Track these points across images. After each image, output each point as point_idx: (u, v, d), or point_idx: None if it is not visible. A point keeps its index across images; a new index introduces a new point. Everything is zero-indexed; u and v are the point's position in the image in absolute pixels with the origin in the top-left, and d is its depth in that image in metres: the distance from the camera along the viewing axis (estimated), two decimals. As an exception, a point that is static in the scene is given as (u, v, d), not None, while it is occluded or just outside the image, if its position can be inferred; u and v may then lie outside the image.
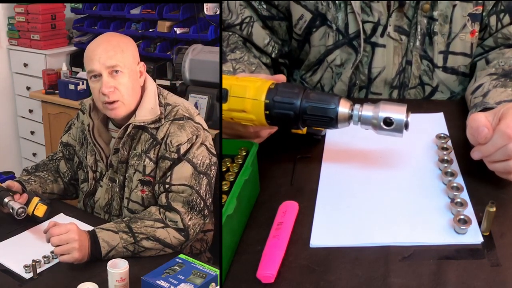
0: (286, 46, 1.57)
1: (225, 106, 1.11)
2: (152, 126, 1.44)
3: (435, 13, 1.39)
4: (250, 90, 1.08)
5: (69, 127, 1.66)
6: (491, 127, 1.03)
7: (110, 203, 1.52)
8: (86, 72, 1.44)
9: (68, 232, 1.27)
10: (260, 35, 1.52)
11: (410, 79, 1.46)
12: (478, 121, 1.04)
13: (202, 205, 1.41)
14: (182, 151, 1.41)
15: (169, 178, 1.41)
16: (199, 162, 1.42)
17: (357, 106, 1.06)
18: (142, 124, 1.43)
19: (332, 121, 1.05)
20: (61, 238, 1.26)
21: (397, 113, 1.03)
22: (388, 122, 1.04)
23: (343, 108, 1.05)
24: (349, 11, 1.40)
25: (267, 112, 1.07)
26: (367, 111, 1.05)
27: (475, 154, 1.07)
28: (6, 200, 1.44)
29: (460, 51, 1.44)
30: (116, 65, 1.40)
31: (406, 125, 1.04)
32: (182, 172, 1.40)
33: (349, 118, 1.06)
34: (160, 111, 1.45)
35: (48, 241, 1.28)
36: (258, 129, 1.17)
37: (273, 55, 1.55)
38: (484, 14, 1.41)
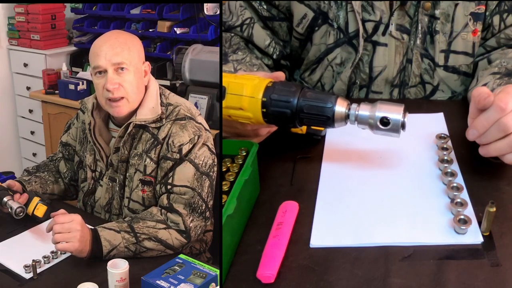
0: (287, 47, 1.57)
1: (223, 103, 1.11)
2: (153, 125, 1.44)
3: (437, 12, 1.39)
4: (247, 88, 1.08)
5: (69, 127, 1.66)
6: (492, 94, 1.02)
7: (110, 202, 1.52)
8: (91, 68, 1.43)
9: (72, 222, 1.27)
10: (261, 36, 1.52)
11: (410, 78, 1.46)
12: (480, 90, 1.03)
13: (203, 207, 1.41)
14: (184, 151, 1.41)
15: (171, 178, 1.41)
16: (201, 162, 1.42)
17: (354, 105, 1.05)
18: (143, 123, 1.43)
19: (329, 120, 1.05)
20: (64, 226, 1.27)
21: (394, 113, 1.03)
22: (384, 121, 1.03)
23: (340, 107, 1.05)
24: (350, 9, 1.40)
25: (264, 110, 1.07)
26: (364, 110, 1.05)
27: (470, 133, 1.05)
28: (5, 199, 1.43)
29: (462, 50, 1.44)
30: (122, 62, 1.40)
31: (403, 125, 1.03)
32: (184, 173, 1.40)
33: (346, 117, 1.05)
34: (161, 111, 1.45)
35: (51, 228, 1.28)
36: (256, 127, 1.17)
37: (274, 57, 1.54)
38: (487, 13, 1.42)
